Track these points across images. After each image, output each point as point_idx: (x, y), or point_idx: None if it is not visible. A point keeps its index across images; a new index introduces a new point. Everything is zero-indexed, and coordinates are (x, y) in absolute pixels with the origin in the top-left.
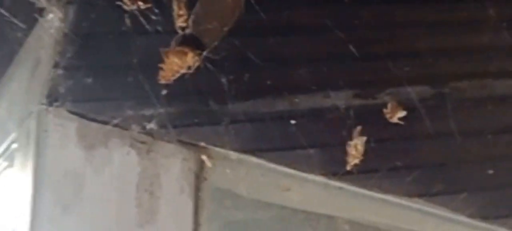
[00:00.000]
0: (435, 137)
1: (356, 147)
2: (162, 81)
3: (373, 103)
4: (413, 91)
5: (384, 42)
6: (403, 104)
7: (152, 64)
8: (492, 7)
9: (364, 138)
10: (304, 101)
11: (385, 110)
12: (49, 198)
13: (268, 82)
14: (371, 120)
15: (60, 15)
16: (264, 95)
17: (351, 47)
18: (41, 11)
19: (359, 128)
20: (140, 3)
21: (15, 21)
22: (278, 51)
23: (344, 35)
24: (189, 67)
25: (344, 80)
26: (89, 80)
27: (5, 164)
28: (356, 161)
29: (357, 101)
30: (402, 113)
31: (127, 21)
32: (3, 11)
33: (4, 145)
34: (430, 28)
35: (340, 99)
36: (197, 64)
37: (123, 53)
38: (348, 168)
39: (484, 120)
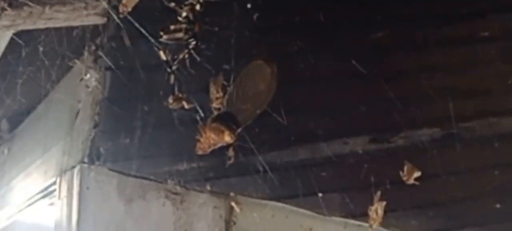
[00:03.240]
0: (446, 175)
1: (376, 211)
2: (199, 152)
3: (388, 147)
4: (424, 134)
5: (396, 88)
6: (415, 147)
7: (186, 126)
8: (497, 52)
9: (384, 203)
10: (324, 149)
11: (401, 174)
12: None
13: (291, 134)
14: (386, 162)
15: (98, 76)
16: (287, 146)
17: (365, 95)
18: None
19: (379, 193)
20: (184, 103)
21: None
22: (300, 104)
23: (359, 85)
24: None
25: (360, 127)
26: (127, 140)
27: (44, 201)
28: (377, 224)
29: (373, 146)
30: (417, 174)
31: (163, 90)
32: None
33: (44, 184)
34: (438, 73)
35: (358, 145)
36: (232, 141)
37: (158, 117)
38: (370, 229)
39: (491, 157)
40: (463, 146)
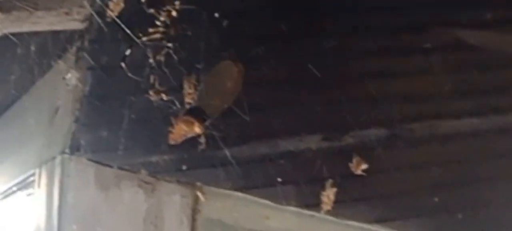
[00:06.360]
0: (390, 172)
1: (328, 197)
2: (172, 142)
3: (338, 145)
4: (371, 134)
5: (347, 92)
6: (363, 145)
7: (159, 121)
8: (435, 59)
9: (335, 189)
10: (282, 145)
11: (350, 165)
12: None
13: (253, 130)
14: (337, 158)
15: (78, 75)
16: (249, 142)
17: (320, 98)
18: (57, 59)
19: (330, 180)
20: (163, 95)
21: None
22: (261, 103)
23: (315, 88)
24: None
25: (314, 126)
26: (105, 133)
27: (21, 192)
28: (328, 207)
29: (326, 144)
30: (364, 166)
31: (141, 86)
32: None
33: (22, 177)
34: (384, 79)
35: (311, 142)
36: (201, 131)
37: (134, 112)
38: (322, 212)
39: (429, 156)
40: (405, 145)
